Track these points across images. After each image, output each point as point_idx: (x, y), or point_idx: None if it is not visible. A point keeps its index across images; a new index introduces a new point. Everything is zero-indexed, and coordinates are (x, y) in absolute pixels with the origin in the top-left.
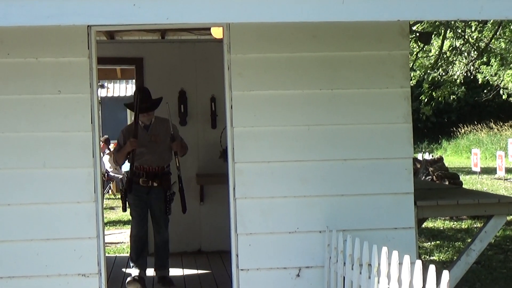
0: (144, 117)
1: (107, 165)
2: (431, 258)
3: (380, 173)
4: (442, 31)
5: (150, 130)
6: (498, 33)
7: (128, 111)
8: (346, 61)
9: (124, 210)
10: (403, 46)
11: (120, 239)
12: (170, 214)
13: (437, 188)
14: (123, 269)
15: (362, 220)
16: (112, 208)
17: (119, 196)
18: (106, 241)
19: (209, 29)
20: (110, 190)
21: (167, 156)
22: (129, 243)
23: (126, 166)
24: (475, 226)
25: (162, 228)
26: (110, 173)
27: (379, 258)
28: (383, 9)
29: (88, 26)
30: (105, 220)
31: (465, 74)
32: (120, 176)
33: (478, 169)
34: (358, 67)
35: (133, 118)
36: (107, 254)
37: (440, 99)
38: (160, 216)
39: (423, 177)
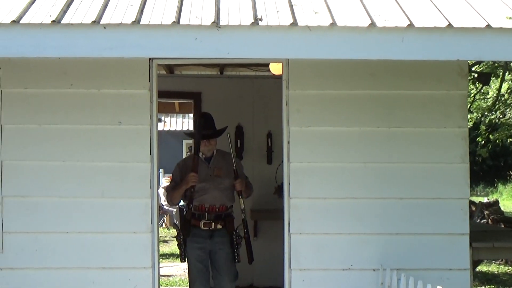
0: (206, 146)
1: (162, 198)
2: None
3: (436, 212)
4: (501, 73)
5: (212, 163)
6: None
7: (185, 144)
8: (403, 100)
9: (183, 260)
10: (462, 86)
11: (173, 272)
12: (240, 261)
13: (492, 230)
14: None
15: (417, 259)
16: (165, 241)
17: (176, 236)
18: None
19: (267, 65)
20: (163, 223)
21: (231, 195)
22: (181, 277)
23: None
24: None
25: (228, 283)
26: (164, 206)
27: None
28: (443, 48)
29: (149, 59)
30: None
31: None
32: (174, 210)
33: None
34: (415, 106)
35: (191, 150)
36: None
37: (497, 141)
38: (227, 265)
39: (478, 220)
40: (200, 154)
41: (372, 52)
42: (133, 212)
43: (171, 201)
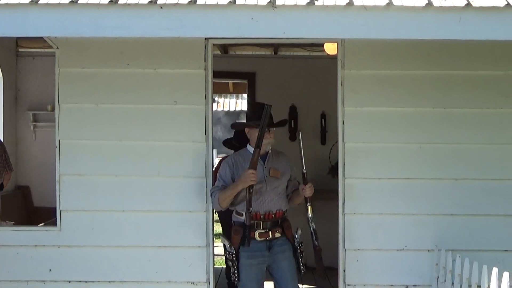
0: (266, 139)
1: None
2: None
3: (492, 194)
4: None
5: (268, 162)
6: None
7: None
8: (460, 80)
9: (237, 279)
10: None
11: None
12: (304, 272)
13: None
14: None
15: (472, 240)
16: (218, 221)
17: (224, 251)
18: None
19: (322, 45)
20: None
21: (286, 199)
22: None
23: None
24: None
25: None
26: None
27: (489, 279)
28: (501, 28)
29: (205, 38)
30: None
31: None
32: None
33: None
34: (472, 86)
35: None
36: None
37: None
38: (291, 277)
39: None
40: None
41: (428, 32)
42: (189, 191)
43: (218, 204)
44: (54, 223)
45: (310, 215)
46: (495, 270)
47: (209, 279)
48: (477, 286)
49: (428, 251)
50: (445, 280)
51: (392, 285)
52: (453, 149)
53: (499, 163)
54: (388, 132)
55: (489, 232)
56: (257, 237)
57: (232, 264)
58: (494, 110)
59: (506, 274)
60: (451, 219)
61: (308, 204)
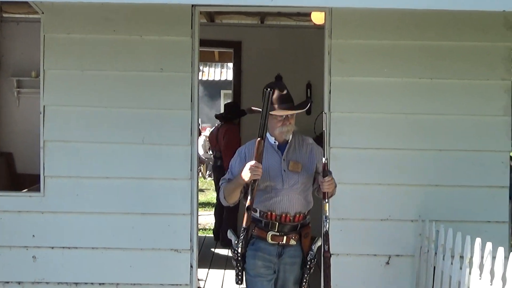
0: (283, 125)
1: (200, 149)
2: None
3: (476, 165)
4: None
5: (287, 153)
6: None
7: (223, 94)
8: (447, 51)
9: (240, 282)
10: (507, 38)
11: (209, 220)
12: None
13: None
14: (212, 249)
15: (455, 211)
16: (201, 190)
17: (230, 248)
18: None
19: (308, 15)
20: (200, 173)
21: (309, 198)
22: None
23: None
24: None
25: None
26: (201, 156)
27: (472, 249)
28: None
29: (192, 5)
30: None
31: None
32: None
33: None
34: (459, 57)
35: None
36: None
37: None
38: None
39: None
40: (272, 138)
41: (416, 2)
42: (174, 158)
43: (224, 199)
44: (38, 189)
45: (326, 215)
46: (478, 240)
47: (192, 246)
48: (460, 256)
49: (412, 221)
50: (428, 250)
51: (375, 255)
52: (439, 120)
53: (484, 134)
54: (374, 102)
55: (473, 203)
56: (269, 239)
57: (237, 264)
58: (480, 82)
59: (489, 245)
60: (435, 190)
61: (325, 201)
